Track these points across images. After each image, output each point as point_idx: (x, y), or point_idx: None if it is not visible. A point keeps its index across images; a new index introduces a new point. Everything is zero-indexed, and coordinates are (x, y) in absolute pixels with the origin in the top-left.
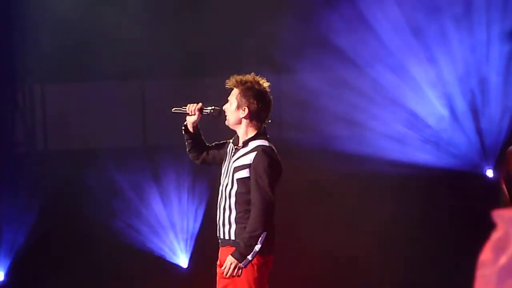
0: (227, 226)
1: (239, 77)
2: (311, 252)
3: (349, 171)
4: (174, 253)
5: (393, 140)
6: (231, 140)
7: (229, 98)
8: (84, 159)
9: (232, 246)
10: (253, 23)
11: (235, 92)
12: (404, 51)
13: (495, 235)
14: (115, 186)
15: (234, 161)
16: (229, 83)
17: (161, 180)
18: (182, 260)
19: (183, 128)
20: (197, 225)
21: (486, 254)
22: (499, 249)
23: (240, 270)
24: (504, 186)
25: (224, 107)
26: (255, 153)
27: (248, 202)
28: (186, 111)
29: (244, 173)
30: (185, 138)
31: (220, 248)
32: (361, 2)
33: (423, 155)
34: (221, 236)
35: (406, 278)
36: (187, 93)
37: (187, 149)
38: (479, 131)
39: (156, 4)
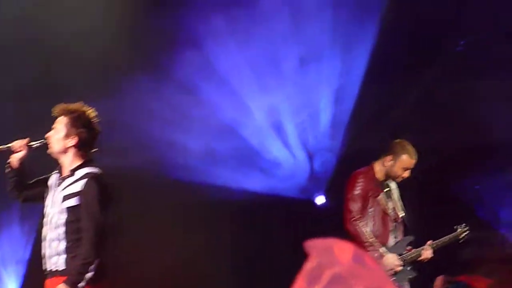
0: (55, 257)
1: (66, 106)
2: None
3: (179, 199)
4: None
5: (226, 167)
6: (53, 172)
7: (55, 126)
8: None
9: (62, 276)
10: None
11: (63, 120)
12: (237, 79)
13: (308, 265)
14: None
15: (61, 191)
16: (56, 111)
17: None
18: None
19: (7, 166)
20: (26, 258)
21: (299, 284)
22: (312, 279)
23: None
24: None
25: (47, 135)
26: (84, 180)
27: (78, 231)
28: (10, 148)
29: (74, 201)
30: (9, 176)
31: (47, 280)
32: (194, 32)
33: (253, 182)
34: (49, 268)
35: None
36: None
37: (10, 187)
38: (310, 158)
39: None
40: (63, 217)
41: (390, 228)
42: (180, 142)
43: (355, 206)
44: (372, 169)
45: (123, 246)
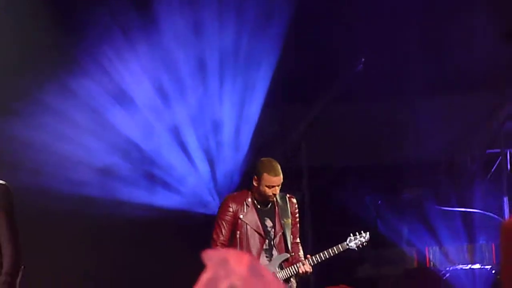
0: None
1: None
2: None
3: (78, 214)
4: None
5: (130, 183)
6: None
7: None
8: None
9: None
10: None
11: None
12: (141, 97)
13: (205, 276)
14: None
15: None
16: None
17: None
18: None
19: None
20: None
21: None
22: None
23: None
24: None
25: None
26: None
27: None
28: None
29: None
30: None
31: None
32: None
33: (155, 197)
34: None
35: None
36: None
37: None
38: (213, 172)
39: None
40: None
41: (264, 247)
42: (84, 158)
43: (218, 232)
44: (247, 191)
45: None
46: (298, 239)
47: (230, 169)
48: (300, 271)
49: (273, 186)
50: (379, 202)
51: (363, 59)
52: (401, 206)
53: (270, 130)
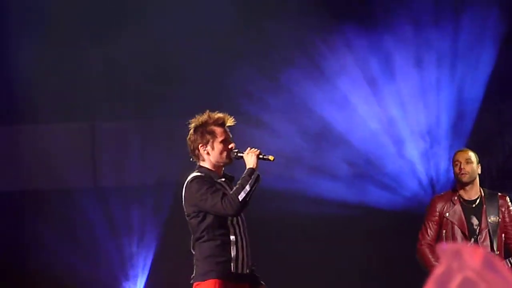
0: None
1: None
2: None
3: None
4: None
5: (343, 181)
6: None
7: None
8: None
9: None
10: None
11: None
12: (356, 95)
13: (438, 270)
14: (64, 228)
15: None
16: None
17: (112, 221)
18: None
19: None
20: (148, 267)
21: None
22: (442, 284)
23: None
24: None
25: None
26: None
27: None
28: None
29: None
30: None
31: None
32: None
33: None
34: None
35: None
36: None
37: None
38: (429, 175)
39: None
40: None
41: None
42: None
43: (424, 233)
44: (454, 190)
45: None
46: None
47: (447, 170)
48: None
49: (459, 162)
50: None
51: None
52: None
53: (488, 127)
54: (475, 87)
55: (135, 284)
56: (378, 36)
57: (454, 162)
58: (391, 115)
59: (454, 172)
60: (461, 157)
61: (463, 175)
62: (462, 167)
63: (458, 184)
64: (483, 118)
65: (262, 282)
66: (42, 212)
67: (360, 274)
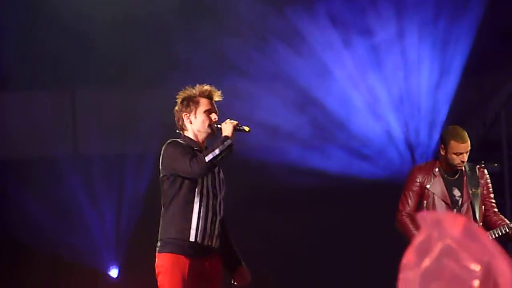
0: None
1: None
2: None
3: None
4: (105, 263)
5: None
6: None
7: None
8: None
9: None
10: None
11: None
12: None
13: (418, 238)
14: (46, 196)
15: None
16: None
17: (93, 190)
18: (113, 271)
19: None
20: (129, 236)
21: (408, 257)
22: (422, 252)
23: None
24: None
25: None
26: None
27: None
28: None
29: None
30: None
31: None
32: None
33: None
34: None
35: None
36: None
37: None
38: (408, 140)
39: None
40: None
41: None
42: None
43: (404, 203)
44: (434, 161)
45: None
46: (495, 209)
47: (426, 138)
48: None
49: (461, 153)
50: None
51: None
52: None
53: (469, 99)
54: (456, 58)
55: (116, 252)
56: (360, 6)
57: (454, 151)
58: (371, 84)
59: (450, 158)
60: (465, 148)
61: (459, 165)
62: (463, 160)
63: (445, 163)
64: (464, 90)
65: (242, 263)
66: (23, 180)
67: (337, 245)
